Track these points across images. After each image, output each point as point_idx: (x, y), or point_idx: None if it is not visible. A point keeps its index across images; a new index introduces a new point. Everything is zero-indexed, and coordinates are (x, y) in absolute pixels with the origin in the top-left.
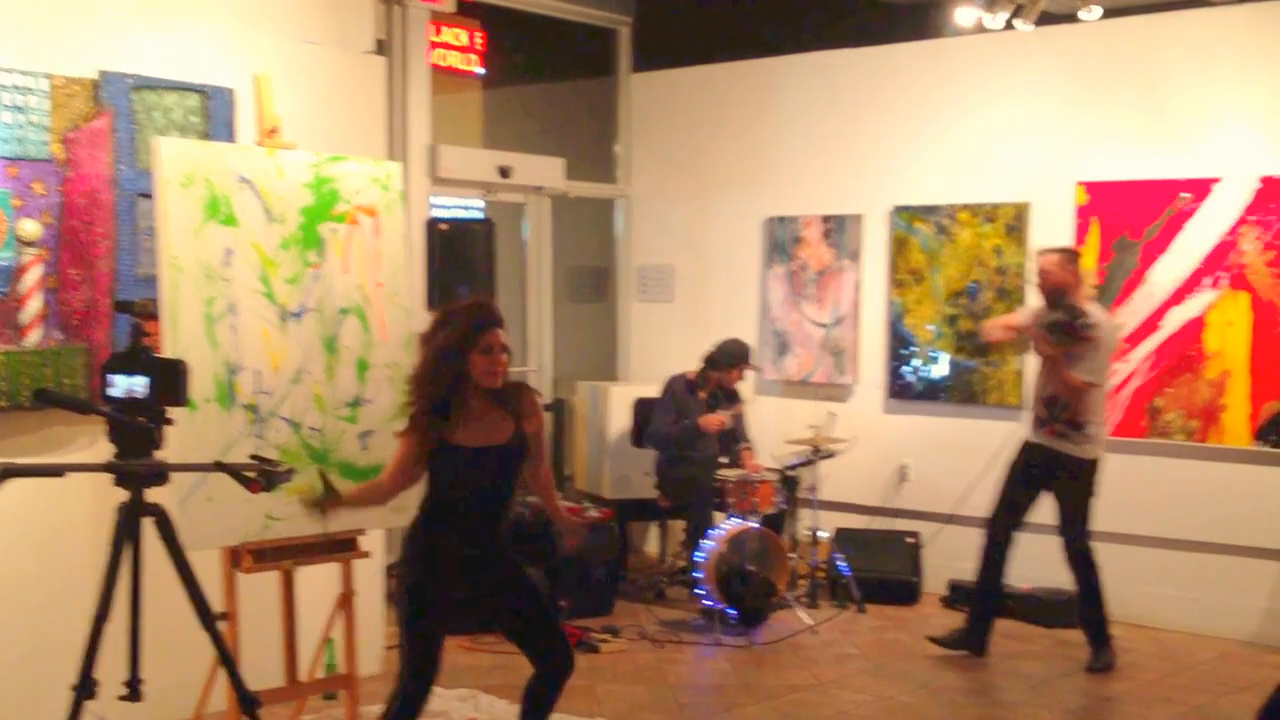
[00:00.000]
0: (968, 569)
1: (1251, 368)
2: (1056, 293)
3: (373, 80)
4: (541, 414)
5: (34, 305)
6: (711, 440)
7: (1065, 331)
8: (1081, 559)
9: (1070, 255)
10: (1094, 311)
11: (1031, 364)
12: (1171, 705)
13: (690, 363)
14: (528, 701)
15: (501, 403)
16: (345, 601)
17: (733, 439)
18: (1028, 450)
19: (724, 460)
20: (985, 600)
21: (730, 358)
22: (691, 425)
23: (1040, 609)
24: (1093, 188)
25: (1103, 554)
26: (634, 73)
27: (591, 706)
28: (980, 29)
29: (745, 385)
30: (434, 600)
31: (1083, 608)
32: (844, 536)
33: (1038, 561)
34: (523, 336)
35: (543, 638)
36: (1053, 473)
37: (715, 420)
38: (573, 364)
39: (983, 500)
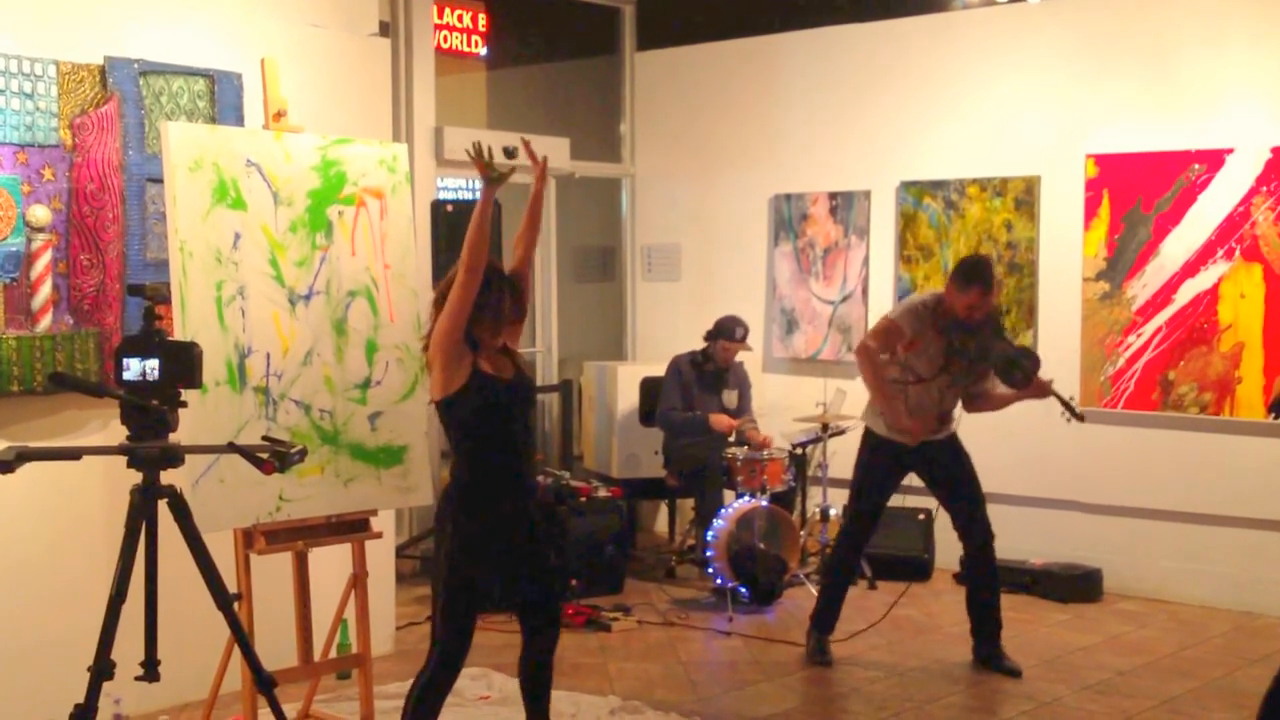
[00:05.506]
0: None
1: (1265, 340)
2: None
3: (378, 63)
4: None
5: (45, 290)
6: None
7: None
8: None
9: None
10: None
11: (1048, 340)
12: (1187, 679)
13: (696, 341)
14: (528, 679)
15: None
16: (358, 582)
17: (735, 416)
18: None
19: (731, 439)
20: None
21: (719, 330)
22: (701, 418)
23: (1054, 584)
24: (1102, 160)
25: (1119, 529)
26: (638, 51)
27: (603, 685)
28: (988, 1)
29: (753, 364)
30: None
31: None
32: None
33: (1051, 536)
34: (530, 317)
35: (543, 614)
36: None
37: (725, 422)
38: (579, 344)
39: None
